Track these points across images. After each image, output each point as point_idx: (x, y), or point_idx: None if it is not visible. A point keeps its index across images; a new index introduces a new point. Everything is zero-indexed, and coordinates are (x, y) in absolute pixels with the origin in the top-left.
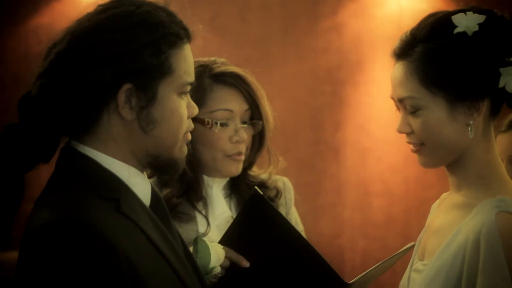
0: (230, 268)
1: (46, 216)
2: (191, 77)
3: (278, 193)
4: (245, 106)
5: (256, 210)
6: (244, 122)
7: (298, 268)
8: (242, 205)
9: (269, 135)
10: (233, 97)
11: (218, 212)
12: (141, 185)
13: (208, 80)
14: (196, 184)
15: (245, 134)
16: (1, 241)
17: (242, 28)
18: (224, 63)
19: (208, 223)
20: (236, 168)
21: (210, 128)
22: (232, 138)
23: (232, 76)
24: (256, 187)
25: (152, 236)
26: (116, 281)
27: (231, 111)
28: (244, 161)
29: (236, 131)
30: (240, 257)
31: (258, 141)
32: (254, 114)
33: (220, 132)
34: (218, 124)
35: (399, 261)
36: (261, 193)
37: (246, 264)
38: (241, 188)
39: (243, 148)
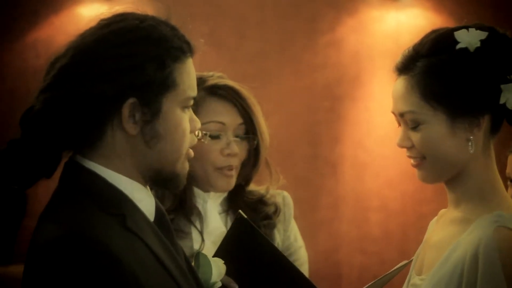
0: None
1: (52, 231)
2: (194, 91)
3: (276, 209)
4: (238, 120)
5: (241, 233)
6: (237, 136)
7: None
8: (228, 229)
9: (264, 151)
10: (225, 110)
11: (212, 228)
12: (145, 200)
13: (201, 92)
14: (186, 196)
15: (236, 148)
16: (4, 255)
17: (239, 44)
18: (221, 77)
19: (203, 239)
20: (227, 183)
21: (200, 140)
22: (223, 151)
23: (225, 88)
24: (240, 211)
25: (157, 252)
26: None
27: (223, 123)
28: (240, 177)
29: (228, 144)
30: (229, 279)
31: (253, 157)
32: (249, 129)
33: (210, 144)
34: (208, 135)
35: (396, 277)
36: (245, 216)
37: (235, 286)
38: (239, 204)
39: (235, 161)
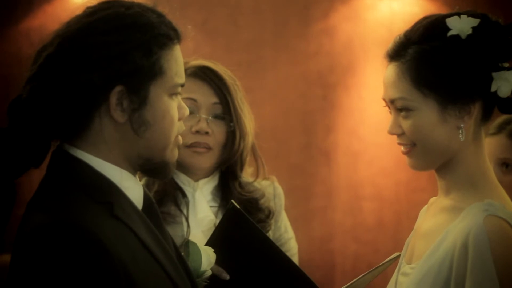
0: (211, 279)
1: (39, 220)
2: (181, 78)
3: (270, 213)
4: (213, 99)
5: (233, 223)
6: (214, 116)
7: (277, 280)
8: (221, 218)
9: (243, 135)
10: (198, 87)
11: (201, 216)
12: (133, 188)
13: None
14: (172, 181)
15: (205, 126)
16: None
17: (234, 32)
18: (201, 59)
19: (188, 225)
20: (198, 161)
21: None
22: (192, 128)
23: (201, 68)
24: (232, 200)
25: (145, 240)
26: (110, 285)
27: (195, 100)
28: (220, 160)
29: (198, 121)
30: (221, 269)
31: (231, 139)
32: (226, 110)
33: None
34: None
35: (390, 265)
36: (238, 206)
37: (226, 276)
38: (232, 197)
39: (206, 140)
